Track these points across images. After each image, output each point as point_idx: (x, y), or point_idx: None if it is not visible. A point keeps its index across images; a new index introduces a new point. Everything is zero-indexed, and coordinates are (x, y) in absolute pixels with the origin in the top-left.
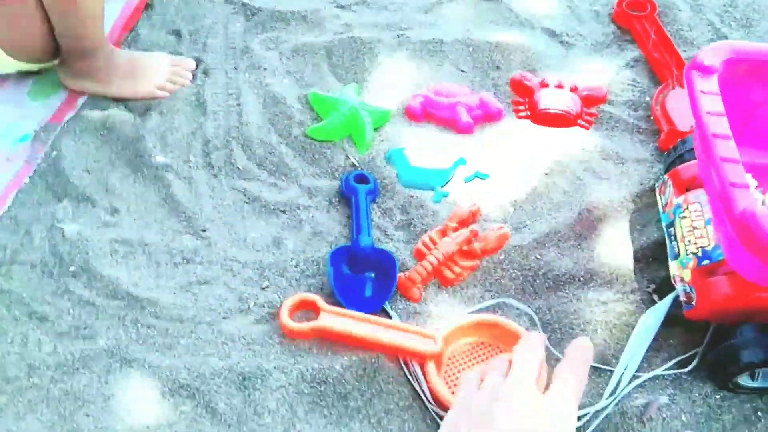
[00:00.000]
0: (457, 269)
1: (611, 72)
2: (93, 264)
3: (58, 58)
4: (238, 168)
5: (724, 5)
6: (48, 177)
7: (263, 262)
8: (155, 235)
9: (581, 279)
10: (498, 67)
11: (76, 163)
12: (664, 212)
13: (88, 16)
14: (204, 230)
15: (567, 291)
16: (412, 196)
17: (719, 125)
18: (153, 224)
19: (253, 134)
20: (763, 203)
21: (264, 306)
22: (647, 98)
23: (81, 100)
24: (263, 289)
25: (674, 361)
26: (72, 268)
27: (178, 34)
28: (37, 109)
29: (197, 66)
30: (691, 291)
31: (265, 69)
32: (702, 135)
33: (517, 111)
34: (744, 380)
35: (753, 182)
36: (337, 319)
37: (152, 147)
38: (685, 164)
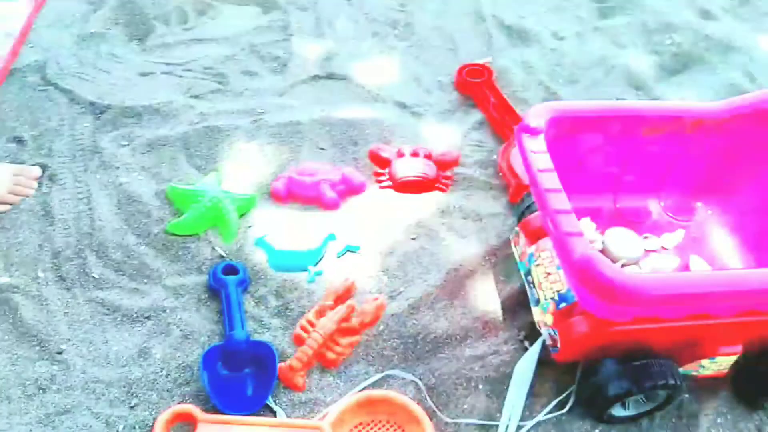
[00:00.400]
0: (338, 348)
1: (459, 136)
2: None
3: None
4: (93, 277)
5: (552, 65)
6: None
7: (130, 378)
8: (4, 366)
9: (457, 337)
10: (356, 143)
11: None
12: (520, 261)
13: None
14: (59, 352)
15: (446, 351)
16: (285, 280)
17: (550, 180)
18: (1, 354)
19: (108, 238)
20: (603, 243)
21: (135, 427)
22: (494, 156)
23: None
24: (132, 408)
25: (553, 404)
26: None
27: (19, 140)
28: None
29: (43, 172)
30: (555, 334)
31: (117, 168)
32: (536, 191)
33: (378, 182)
34: (617, 411)
35: (591, 225)
36: (216, 428)
37: None
38: (533, 215)
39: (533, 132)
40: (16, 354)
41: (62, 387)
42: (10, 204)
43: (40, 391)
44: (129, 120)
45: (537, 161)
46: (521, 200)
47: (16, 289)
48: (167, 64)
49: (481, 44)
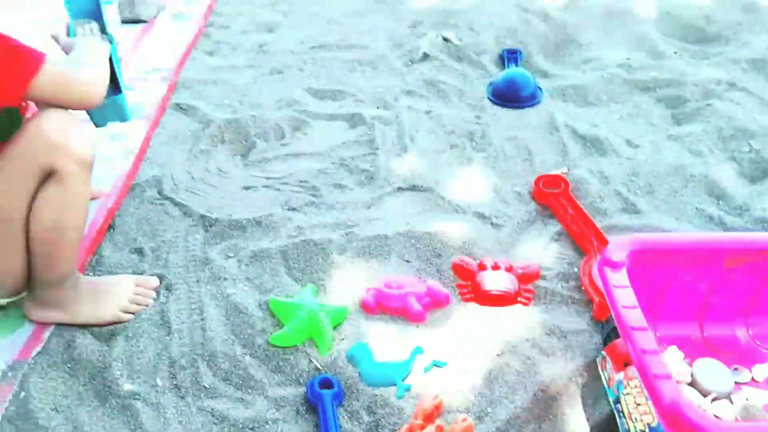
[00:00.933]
0: None
1: (540, 247)
2: None
3: (23, 293)
4: (204, 387)
5: (628, 175)
6: (17, 422)
7: None
8: None
9: None
10: (439, 255)
11: (45, 402)
12: (608, 387)
13: (69, 253)
14: None
15: None
16: (376, 395)
17: (635, 319)
18: None
19: (218, 348)
20: (692, 375)
21: None
22: (575, 269)
23: (47, 333)
24: None
25: None
26: None
27: (140, 252)
28: (3, 346)
29: (160, 282)
30: None
31: (225, 279)
32: (622, 327)
33: (462, 294)
34: None
35: (679, 355)
36: None
37: (119, 375)
38: (619, 340)
39: (615, 266)
40: None
41: None
42: (132, 313)
43: None
44: (235, 232)
45: (620, 297)
46: (606, 321)
47: (137, 396)
48: (267, 178)
49: (556, 154)
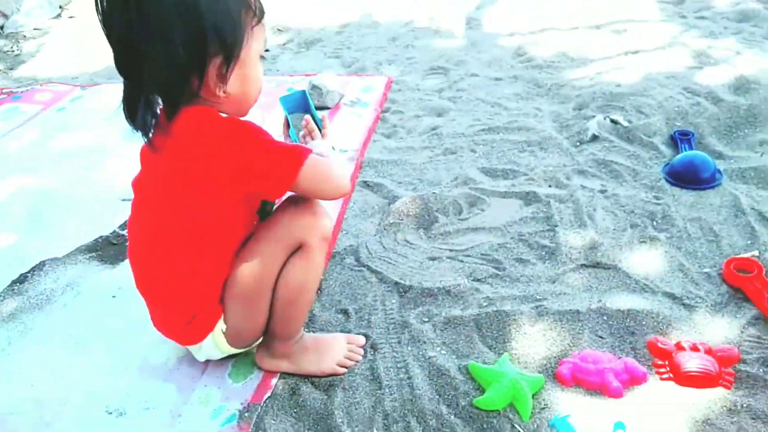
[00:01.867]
0: None
1: (736, 330)
2: None
3: (254, 344)
4: None
5: None
6: None
7: None
8: None
9: None
10: (633, 333)
11: None
12: None
13: (303, 312)
14: None
15: None
16: None
17: None
18: None
19: (426, 406)
20: None
21: None
22: None
23: (274, 380)
24: None
25: None
26: None
27: (345, 312)
28: (237, 390)
29: (366, 341)
30: None
31: (424, 342)
32: None
33: (659, 373)
34: None
35: None
36: None
37: (340, 422)
38: None
39: None
40: None
41: None
42: (347, 368)
43: None
44: (427, 299)
45: None
46: None
47: None
48: (450, 250)
49: (744, 237)
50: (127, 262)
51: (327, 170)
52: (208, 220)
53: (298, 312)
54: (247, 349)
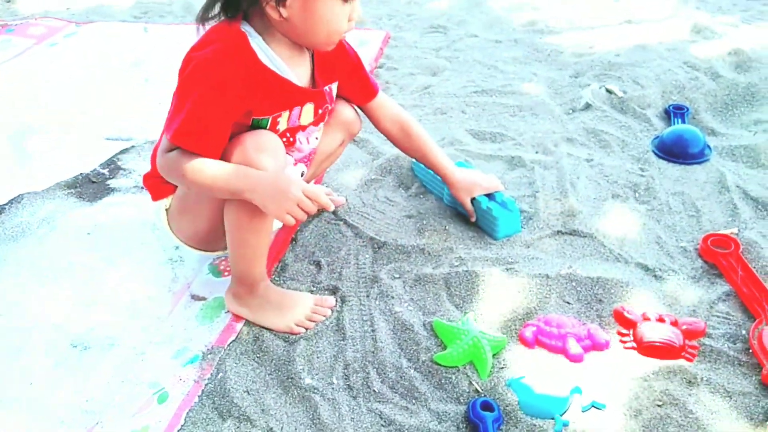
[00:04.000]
0: None
1: (705, 305)
2: None
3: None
4: (374, 391)
5: None
6: (214, 397)
7: None
8: None
9: None
10: (600, 300)
11: (238, 384)
12: None
13: (240, 260)
14: None
15: None
16: (534, 425)
17: None
18: None
19: (387, 359)
20: None
21: None
22: (743, 331)
23: (239, 325)
24: None
25: None
26: None
27: (318, 264)
28: (202, 332)
29: (335, 293)
30: None
31: (392, 297)
32: None
33: (622, 342)
34: None
35: None
36: None
37: (301, 369)
38: None
39: None
40: None
41: None
42: (306, 328)
43: None
44: (400, 256)
45: None
46: None
47: (316, 391)
48: (428, 210)
49: (725, 214)
50: (105, 200)
51: (161, 166)
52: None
53: (239, 254)
54: (186, 245)
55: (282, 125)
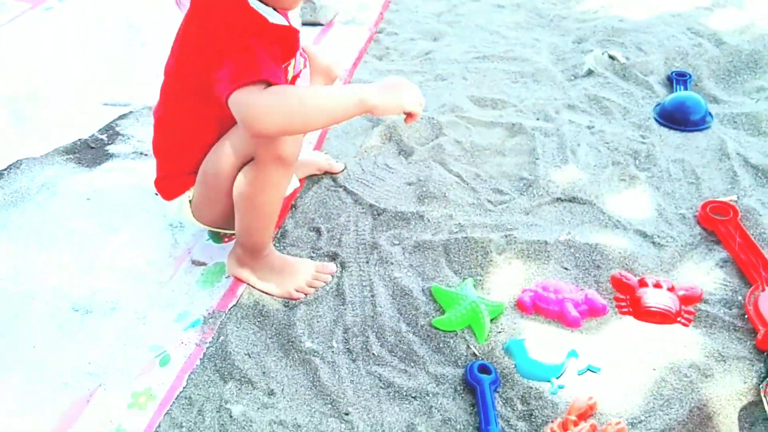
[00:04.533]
0: None
1: (703, 272)
2: None
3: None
4: (373, 354)
5: None
6: (216, 360)
7: None
8: (305, 417)
9: None
10: (598, 266)
11: (239, 347)
12: None
13: (252, 230)
14: (347, 413)
15: None
16: (530, 388)
17: None
18: (303, 406)
19: (386, 323)
20: None
21: None
22: (739, 297)
23: (240, 290)
24: None
25: None
26: None
27: (318, 231)
28: (204, 297)
29: (335, 259)
30: None
31: (391, 263)
32: None
33: (619, 307)
34: None
35: None
36: None
37: (301, 333)
38: None
39: None
40: (313, 408)
41: None
42: (305, 294)
43: None
44: (400, 223)
45: None
46: None
47: (316, 354)
48: (428, 177)
49: (725, 182)
50: (104, 166)
51: (262, 107)
52: (200, 95)
53: (247, 223)
54: (212, 229)
55: (290, 74)
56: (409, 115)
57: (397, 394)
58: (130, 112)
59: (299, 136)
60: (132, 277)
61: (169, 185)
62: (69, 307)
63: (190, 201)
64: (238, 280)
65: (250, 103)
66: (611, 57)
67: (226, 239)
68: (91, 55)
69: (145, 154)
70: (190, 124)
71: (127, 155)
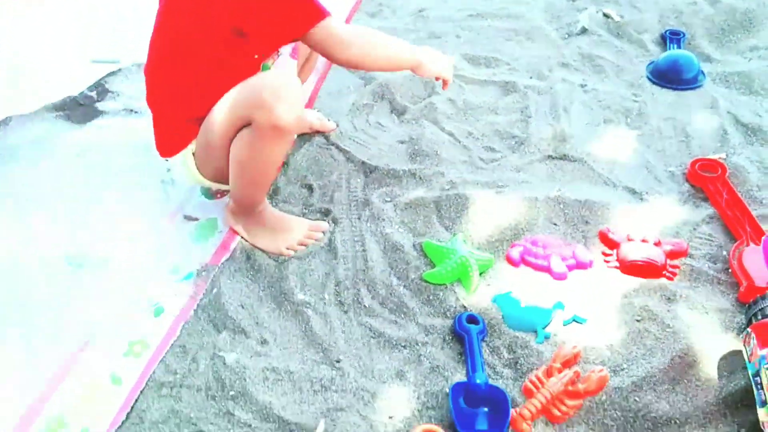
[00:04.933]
0: (564, 408)
1: (689, 227)
2: (249, 390)
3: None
4: (364, 306)
5: None
6: (210, 311)
7: (389, 393)
8: (298, 364)
9: (677, 421)
10: (587, 222)
11: (233, 299)
12: (749, 362)
13: (244, 190)
14: (338, 361)
15: None
16: (517, 337)
17: None
18: (295, 354)
19: (377, 277)
20: None
21: None
22: (724, 252)
23: (233, 244)
24: (390, 418)
25: None
26: (232, 393)
27: (310, 188)
28: (197, 251)
29: (327, 215)
30: None
31: (383, 220)
32: None
33: (606, 261)
34: None
35: None
36: None
37: (294, 286)
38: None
39: None
40: (306, 356)
41: (339, 389)
42: (295, 251)
43: (323, 388)
44: (392, 180)
45: None
46: (753, 302)
47: (308, 305)
48: (421, 135)
49: (715, 140)
50: (94, 122)
51: (345, 39)
52: (215, 48)
53: (240, 185)
54: (211, 184)
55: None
56: (444, 82)
57: (387, 344)
58: (119, 69)
59: (299, 104)
60: (124, 232)
61: (169, 139)
62: (62, 261)
63: (193, 154)
64: (233, 233)
65: (334, 34)
66: (605, 15)
67: (219, 195)
68: (78, 11)
69: (136, 111)
70: (187, 71)
71: (117, 112)
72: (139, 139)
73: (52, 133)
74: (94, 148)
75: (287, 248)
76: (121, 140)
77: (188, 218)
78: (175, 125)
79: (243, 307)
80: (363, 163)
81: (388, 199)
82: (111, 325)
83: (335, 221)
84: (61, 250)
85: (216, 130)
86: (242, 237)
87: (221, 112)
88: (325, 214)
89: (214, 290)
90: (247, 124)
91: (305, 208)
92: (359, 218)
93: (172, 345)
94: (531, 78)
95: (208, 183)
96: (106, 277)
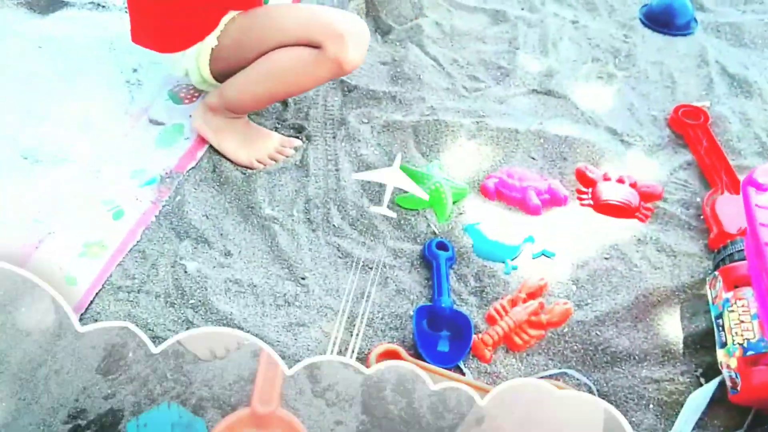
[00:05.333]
0: (525, 336)
1: (666, 172)
2: (210, 299)
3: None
4: (333, 225)
5: None
6: (172, 218)
7: (353, 312)
8: (262, 278)
9: (636, 357)
10: (565, 158)
11: (197, 207)
12: (713, 304)
13: (255, 98)
14: (303, 278)
15: (623, 367)
16: (485, 266)
17: None
18: (260, 269)
19: (348, 197)
20: None
21: (354, 352)
22: (698, 199)
23: (200, 153)
24: (354, 336)
25: None
26: (192, 301)
27: (284, 102)
28: (161, 156)
29: (301, 131)
30: (737, 378)
31: (359, 141)
32: (756, 242)
33: (580, 199)
34: None
35: None
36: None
37: (261, 200)
38: (735, 264)
39: (760, 187)
40: (270, 271)
41: (302, 305)
42: (265, 165)
43: (286, 303)
44: (370, 102)
45: (760, 215)
46: (723, 247)
47: (275, 221)
48: (404, 58)
49: (700, 88)
50: (57, 14)
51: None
52: None
53: (258, 89)
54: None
55: None
56: None
57: (354, 264)
58: None
59: (365, 51)
60: (84, 130)
61: (173, 35)
62: (18, 153)
63: (212, 48)
64: (201, 140)
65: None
66: None
67: (187, 100)
68: None
69: (103, 6)
70: None
71: (83, 5)
72: (106, 35)
73: (12, 20)
74: (56, 39)
75: (258, 160)
76: (86, 34)
77: (153, 122)
78: (198, 13)
79: (207, 218)
80: (341, 81)
81: (365, 121)
82: (68, 224)
83: (309, 138)
84: (17, 142)
85: (273, 36)
86: (208, 140)
87: (289, 25)
88: (299, 130)
89: (178, 198)
90: (308, 46)
91: (278, 123)
92: (334, 137)
93: (131, 249)
94: (522, 9)
95: (211, 82)
96: (64, 174)
